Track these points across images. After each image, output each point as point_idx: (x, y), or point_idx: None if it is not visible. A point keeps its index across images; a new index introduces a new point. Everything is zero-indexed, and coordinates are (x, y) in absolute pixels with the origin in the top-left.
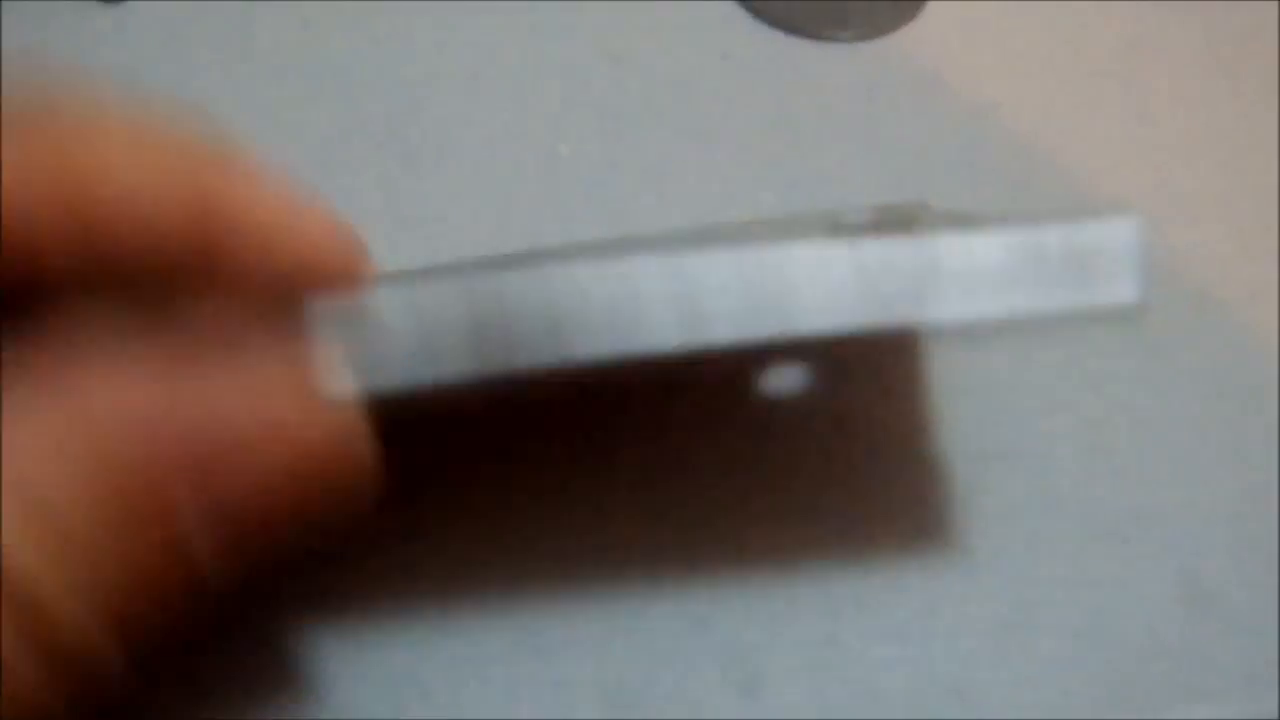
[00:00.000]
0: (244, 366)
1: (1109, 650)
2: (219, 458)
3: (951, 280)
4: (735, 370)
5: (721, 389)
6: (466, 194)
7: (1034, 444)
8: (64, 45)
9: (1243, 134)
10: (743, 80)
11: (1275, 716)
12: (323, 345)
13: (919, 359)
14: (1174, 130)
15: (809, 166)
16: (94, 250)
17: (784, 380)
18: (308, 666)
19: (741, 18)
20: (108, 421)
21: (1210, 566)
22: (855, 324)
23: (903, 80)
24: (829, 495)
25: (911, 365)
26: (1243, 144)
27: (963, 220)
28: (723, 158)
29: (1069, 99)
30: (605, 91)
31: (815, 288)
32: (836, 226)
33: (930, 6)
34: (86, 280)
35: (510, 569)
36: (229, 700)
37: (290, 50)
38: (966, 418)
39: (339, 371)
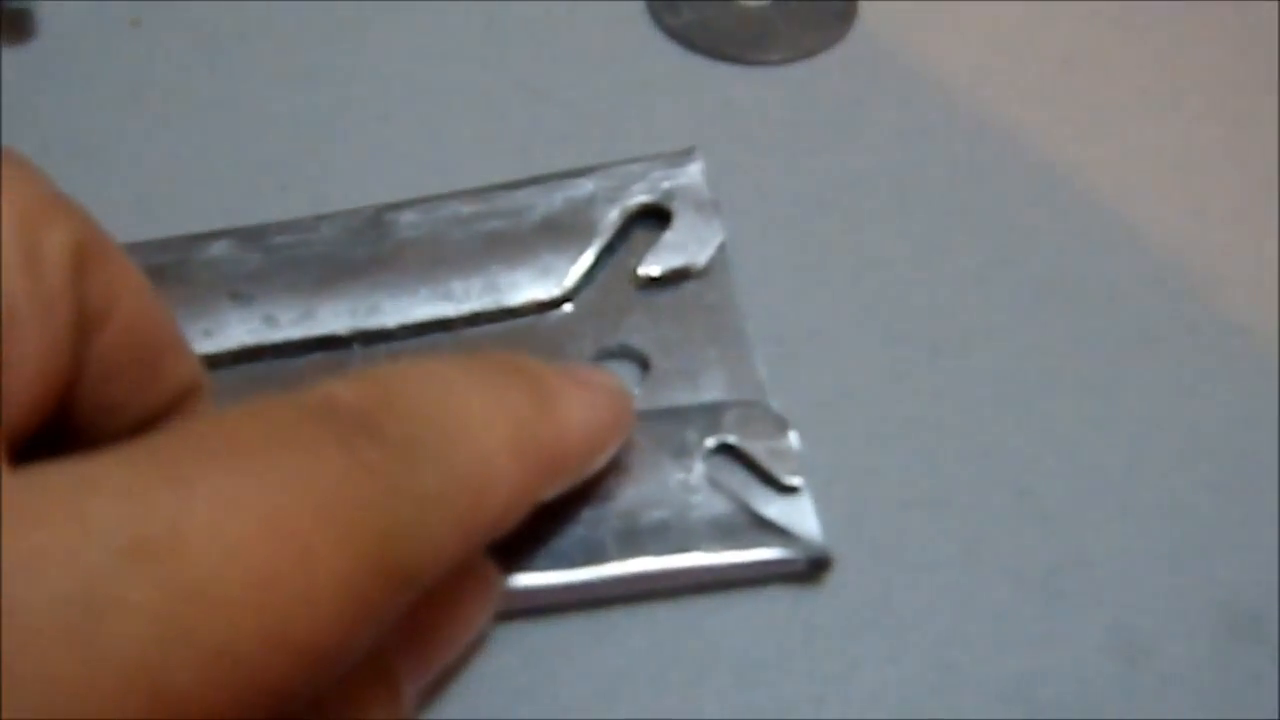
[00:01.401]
0: None
1: (1038, 712)
2: None
3: None
4: None
5: None
6: None
7: (960, 491)
8: None
9: (1177, 153)
10: (668, 108)
11: None
12: None
13: None
14: (1106, 148)
15: (738, 191)
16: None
17: None
18: None
19: (666, 45)
20: None
21: (1146, 620)
22: None
23: (830, 103)
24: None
25: None
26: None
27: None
28: None
29: (997, 119)
30: (526, 123)
31: None
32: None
33: (856, 29)
34: None
35: None
36: None
37: (197, 87)
38: (888, 463)
39: None
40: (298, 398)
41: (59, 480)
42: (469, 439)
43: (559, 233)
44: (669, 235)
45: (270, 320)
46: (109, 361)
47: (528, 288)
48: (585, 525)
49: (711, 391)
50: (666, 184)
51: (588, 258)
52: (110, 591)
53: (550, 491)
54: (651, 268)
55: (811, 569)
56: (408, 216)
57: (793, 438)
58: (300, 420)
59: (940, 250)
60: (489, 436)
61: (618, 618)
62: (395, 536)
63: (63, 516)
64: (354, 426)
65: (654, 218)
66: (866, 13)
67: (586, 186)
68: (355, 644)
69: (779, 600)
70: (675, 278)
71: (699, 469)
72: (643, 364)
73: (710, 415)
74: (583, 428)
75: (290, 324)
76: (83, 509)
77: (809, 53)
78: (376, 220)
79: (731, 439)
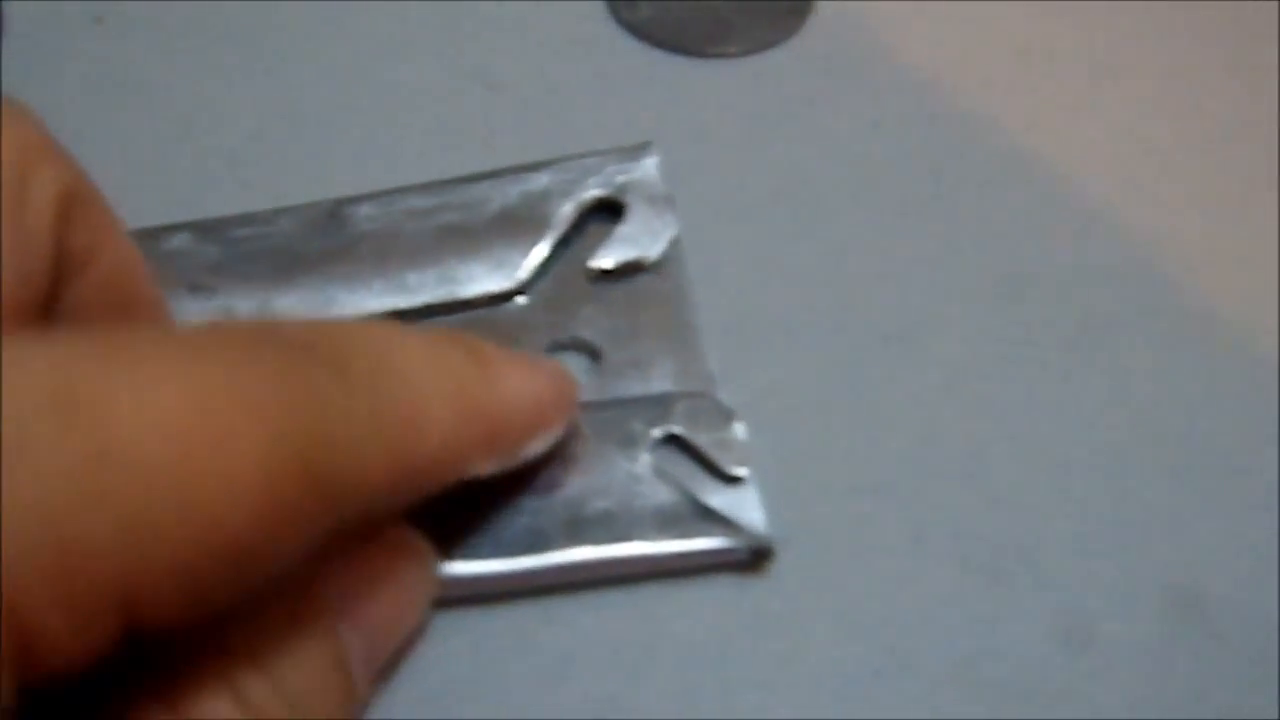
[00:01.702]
0: None
1: (979, 693)
2: None
3: None
4: None
5: None
6: None
7: (907, 477)
8: None
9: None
10: (625, 102)
11: None
12: None
13: None
14: (1060, 139)
15: (694, 184)
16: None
17: None
18: None
19: (624, 39)
20: None
21: (1090, 603)
22: None
23: (786, 95)
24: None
25: None
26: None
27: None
28: None
29: (953, 109)
30: (484, 118)
31: None
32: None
33: (813, 21)
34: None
35: None
36: None
37: (158, 83)
38: (836, 451)
39: None
40: (243, 322)
41: None
42: (405, 378)
43: (514, 226)
44: (622, 228)
45: (229, 312)
46: (84, 308)
47: (482, 280)
48: (530, 514)
49: (661, 383)
50: (621, 178)
51: (541, 250)
52: (24, 442)
53: (486, 464)
54: (604, 260)
55: (754, 558)
56: (365, 209)
57: (739, 429)
58: (242, 331)
59: (895, 240)
60: (425, 382)
61: (564, 605)
62: (322, 446)
63: None
64: (294, 345)
65: (608, 211)
66: (823, 4)
67: (542, 180)
68: (276, 551)
69: (725, 587)
70: (628, 270)
71: (645, 459)
72: (594, 355)
73: (658, 406)
74: (521, 398)
75: (248, 316)
76: (12, 360)
77: (766, 45)
78: (334, 213)
79: (678, 430)
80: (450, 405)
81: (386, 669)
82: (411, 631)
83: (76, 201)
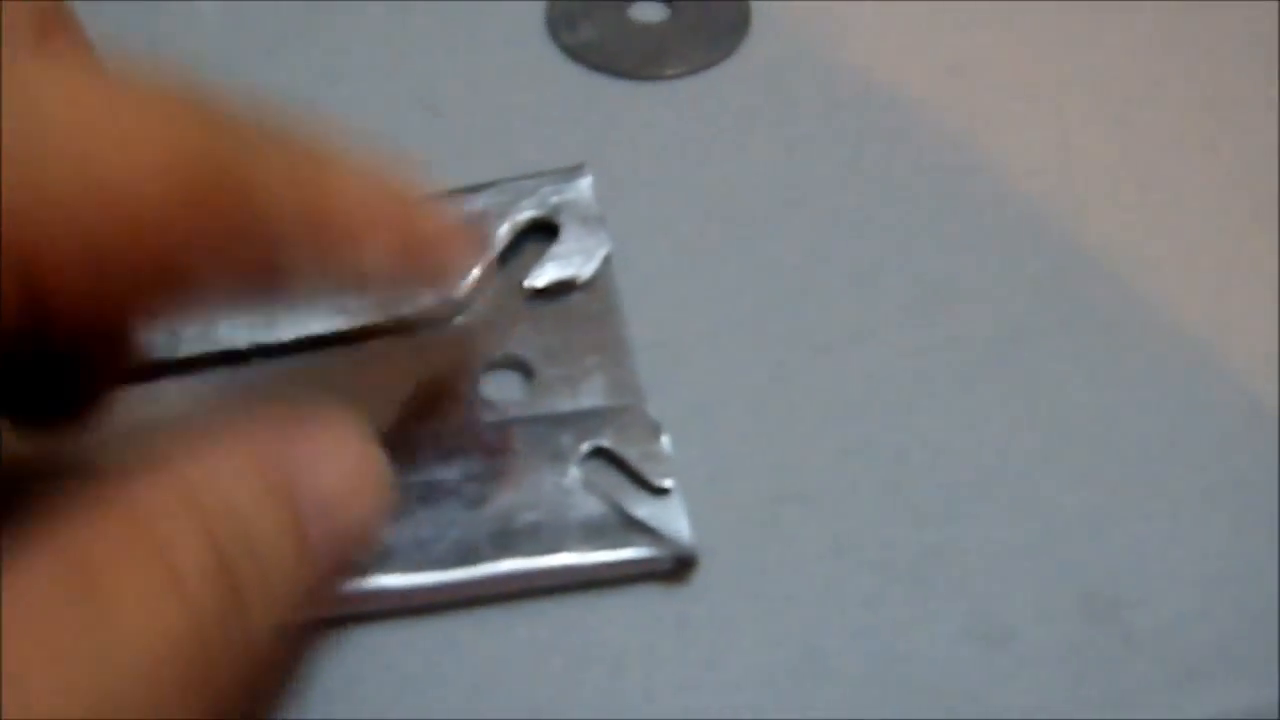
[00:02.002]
0: None
1: (898, 694)
2: None
3: None
4: None
5: None
6: None
7: (830, 486)
8: None
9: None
10: (563, 124)
11: None
12: None
13: None
14: (991, 153)
15: (629, 204)
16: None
17: None
18: None
19: (563, 63)
20: None
21: (1007, 606)
22: None
23: (720, 115)
24: None
25: None
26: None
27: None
28: None
29: (883, 124)
30: (423, 140)
31: None
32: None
33: (749, 41)
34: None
35: None
36: None
37: None
38: (761, 462)
39: None
40: None
41: None
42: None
43: None
44: (555, 248)
45: (173, 336)
46: None
47: (421, 300)
48: (460, 527)
49: (592, 398)
50: (555, 199)
51: (478, 271)
52: None
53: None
54: (537, 279)
55: (679, 566)
56: None
57: (665, 442)
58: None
59: (825, 254)
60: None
61: (496, 615)
62: (222, 154)
63: None
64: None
65: (543, 231)
66: (760, 24)
67: (478, 202)
68: (174, 238)
69: (651, 596)
70: (561, 289)
71: (574, 473)
72: (527, 372)
73: (587, 421)
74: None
75: (192, 339)
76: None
77: (702, 66)
78: None
79: (607, 443)
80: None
81: (344, 563)
82: (366, 525)
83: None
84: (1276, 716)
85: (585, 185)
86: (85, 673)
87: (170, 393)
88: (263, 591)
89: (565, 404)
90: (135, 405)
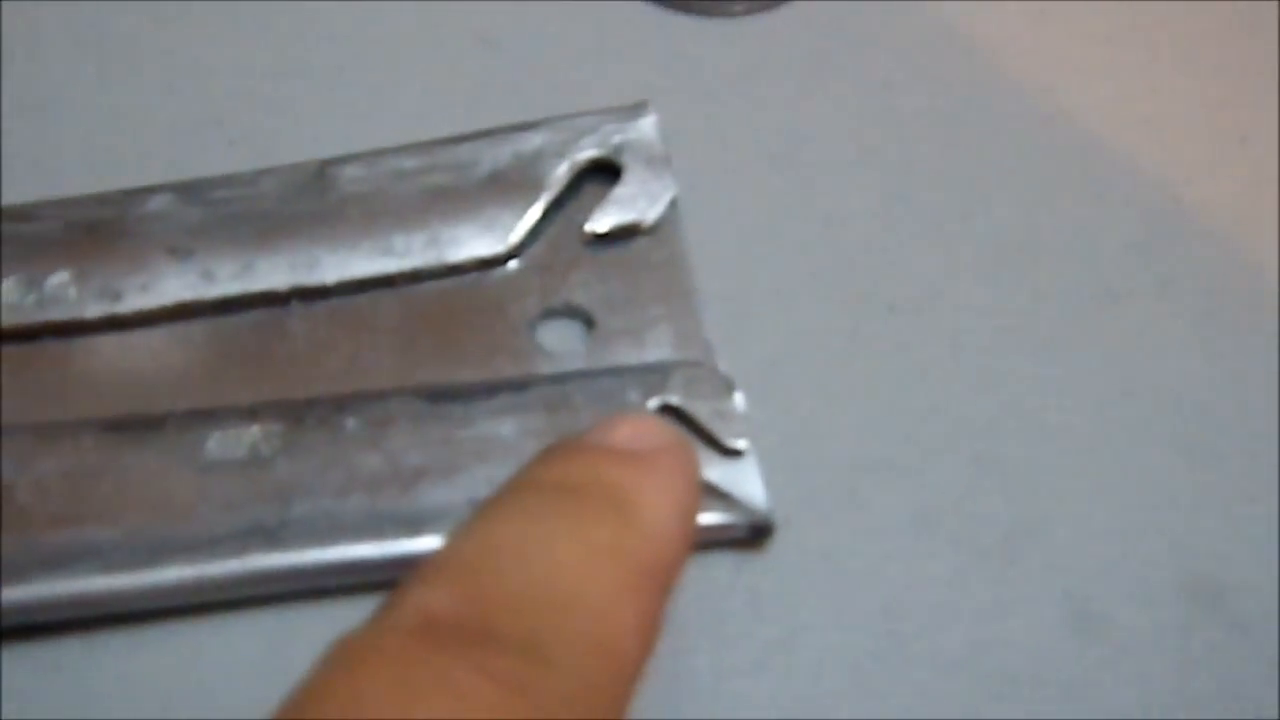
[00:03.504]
0: None
1: (986, 683)
2: None
3: None
4: None
5: None
6: None
7: (913, 454)
8: None
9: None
10: (623, 60)
11: None
12: None
13: None
14: (1074, 102)
15: (693, 146)
16: None
17: None
18: None
19: None
20: None
21: (1102, 589)
22: None
23: (789, 56)
24: None
25: None
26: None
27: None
28: None
29: (962, 73)
30: (477, 76)
31: None
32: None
33: None
34: None
35: None
36: None
37: (142, 41)
38: (838, 425)
39: None
40: (393, 621)
41: None
42: (582, 606)
43: (505, 187)
44: (618, 190)
45: (208, 276)
46: None
47: (471, 243)
48: None
49: (657, 351)
50: (617, 138)
51: (534, 213)
52: None
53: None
54: (599, 223)
55: (754, 534)
56: (351, 171)
57: (739, 400)
58: (417, 653)
59: (900, 207)
60: (598, 590)
61: None
62: None
63: None
64: (473, 642)
65: (604, 173)
66: None
67: (535, 140)
68: None
69: (721, 567)
70: (624, 234)
71: None
72: (587, 322)
73: (654, 376)
74: (673, 523)
75: (228, 279)
76: None
77: (771, 3)
78: (319, 175)
79: (675, 400)
80: (630, 591)
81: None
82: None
83: None
84: (1276, 716)
85: (649, 125)
86: None
87: (203, 333)
88: None
89: (629, 357)
90: (163, 349)
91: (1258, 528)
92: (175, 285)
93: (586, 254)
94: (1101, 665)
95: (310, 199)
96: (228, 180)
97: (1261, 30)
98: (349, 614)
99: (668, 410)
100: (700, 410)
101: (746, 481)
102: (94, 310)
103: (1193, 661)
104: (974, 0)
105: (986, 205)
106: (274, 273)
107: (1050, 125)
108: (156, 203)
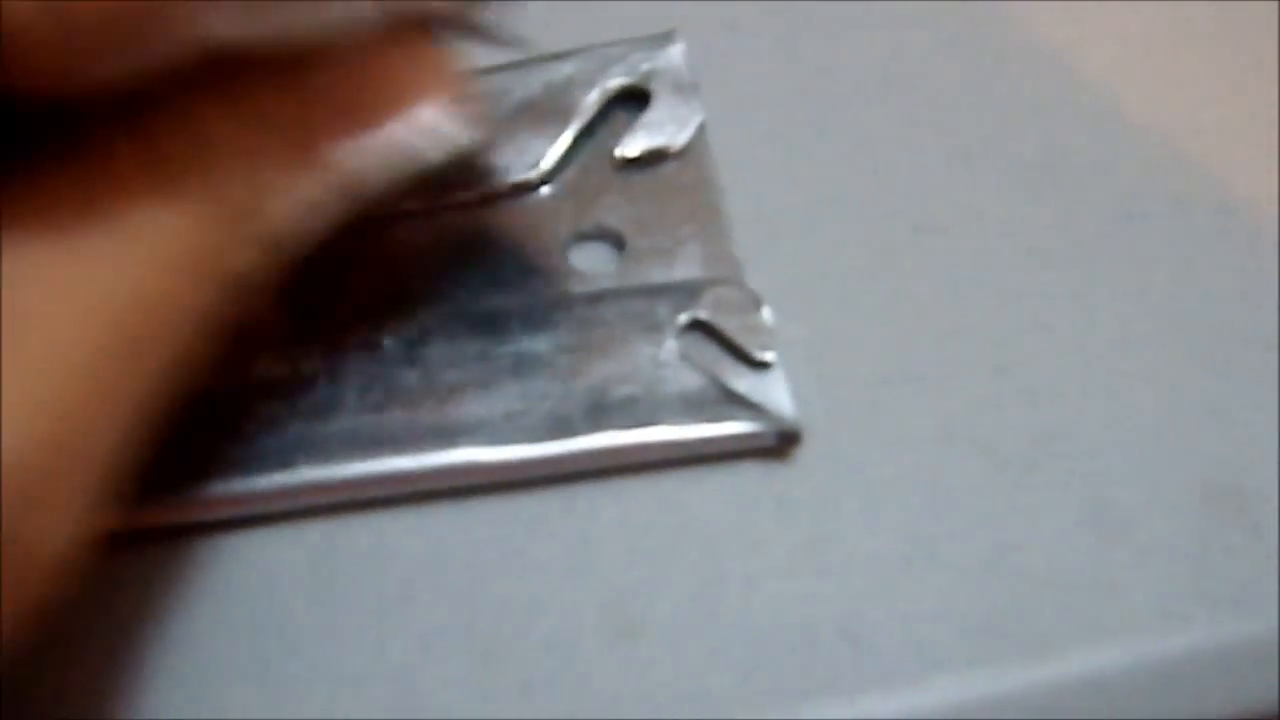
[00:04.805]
0: None
1: (1010, 585)
2: None
3: None
4: None
5: None
6: None
7: (937, 367)
8: None
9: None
10: None
11: (1185, 655)
12: None
13: None
14: (1095, 27)
15: (721, 73)
16: None
17: None
18: None
19: None
20: None
21: (1124, 494)
22: None
23: None
24: None
25: None
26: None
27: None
28: None
29: (989, 4)
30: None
31: None
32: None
33: None
34: None
35: None
36: None
37: None
38: (864, 340)
39: None
40: None
41: None
42: None
43: (536, 116)
44: (647, 116)
45: None
46: None
47: (505, 170)
48: (553, 400)
49: (687, 270)
50: (646, 66)
51: (565, 140)
52: None
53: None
54: (629, 148)
55: (781, 443)
56: None
57: (766, 314)
58: None
59: (925, 129)
60: None
61: (584, 492)
62: None
63: None
64: None
65: (634, 100)
66: None
67: (564, 69)
68: None
69: (750, 475)
70: (653, 159)
71: (670, 345)
72: (618, 243)
73: (684, 292)
74: None
75: None
76: None
77: None
78: None
79: (704, 315)
80: None
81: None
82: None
83: None
84: (1276, 715)
85: (677, 52)
86: None
87: None
88: None
89: (659, 275)
90: None
91: (1276, 435)
92: None
93: (617, 178)
94: (1121, 567)
95: None
96: None
97: None
98: (389, 524)
99: (697, 325)
100: (729, 324)
101: (774, 392)
102: None
103: (1211, 565)
104: None
105: (1009, 129)
106: None
107: (1072, 51)
108: None
